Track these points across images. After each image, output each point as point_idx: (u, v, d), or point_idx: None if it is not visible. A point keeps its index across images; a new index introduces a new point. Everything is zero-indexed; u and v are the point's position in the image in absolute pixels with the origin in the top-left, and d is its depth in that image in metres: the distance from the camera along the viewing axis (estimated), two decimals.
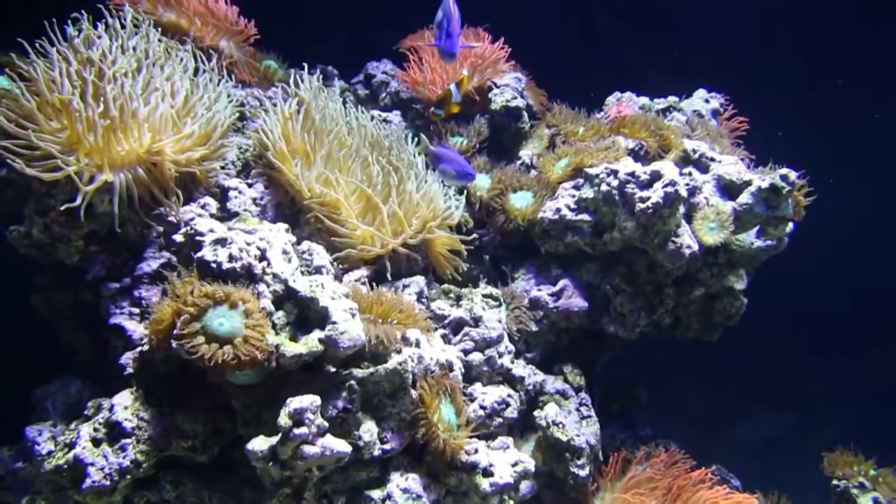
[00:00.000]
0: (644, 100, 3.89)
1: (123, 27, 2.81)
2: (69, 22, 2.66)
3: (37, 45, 2.58)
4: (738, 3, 5.28)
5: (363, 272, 2.83)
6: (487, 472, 2.50)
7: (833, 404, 5.69)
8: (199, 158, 2.71)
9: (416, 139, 3.38)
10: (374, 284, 2.74)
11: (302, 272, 2.55)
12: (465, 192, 3.34)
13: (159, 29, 2.98)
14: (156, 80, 2.71)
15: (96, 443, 2.22)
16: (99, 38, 2.69)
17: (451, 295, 3.00)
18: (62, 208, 2.44)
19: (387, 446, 2.33)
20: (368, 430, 2.29)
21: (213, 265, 2.29)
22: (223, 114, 2.81)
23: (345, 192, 2.91)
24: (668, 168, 3.00)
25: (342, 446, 2.14)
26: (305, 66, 3.33)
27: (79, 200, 2.41)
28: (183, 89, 2.76)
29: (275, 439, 2.08)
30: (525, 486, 2.63)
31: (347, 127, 3.17)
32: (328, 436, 2.13)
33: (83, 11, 2.71)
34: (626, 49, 5.19)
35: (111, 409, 2.26)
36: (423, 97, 3.82)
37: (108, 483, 2.15)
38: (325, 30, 4.61)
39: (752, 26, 5.37)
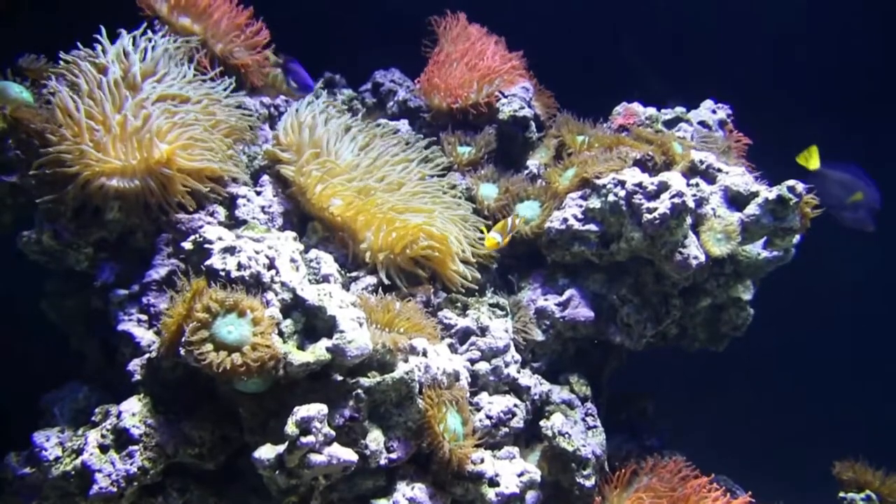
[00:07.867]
0: (651, 110, 3.88)
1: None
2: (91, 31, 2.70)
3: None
4: (753, 22, 5.24)
5: (371, 280, 2.85)
6: (493, 482, 2.50)
7: (842, 417, 5.64)
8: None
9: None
10: (381, 292, 2.75)
11: (310, 281, 2.56)
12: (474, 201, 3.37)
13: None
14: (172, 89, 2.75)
15: (104, 449, 2.23)
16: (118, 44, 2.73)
17: (458, 304, 3.00)
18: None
19: (393, 455, 2.34)
20: (375, 439, 2.30)
21: (222, 273, 2.31)
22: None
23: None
24: (675, 179, 3.00)
25: (349, 455, 2.14)
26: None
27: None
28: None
29: (281, 448, 2.09)
30: (531, 496, 2.62)
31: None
32: (335, 444, 2.14)
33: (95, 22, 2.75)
34: (636, 62, 5.17)
35: (119, 415, 2.27)
36: (431, 105, 3.84)
37: (115, 490, 2.16)
38: (357, 47, 4.62)
39: (765, 44, 5.34)
